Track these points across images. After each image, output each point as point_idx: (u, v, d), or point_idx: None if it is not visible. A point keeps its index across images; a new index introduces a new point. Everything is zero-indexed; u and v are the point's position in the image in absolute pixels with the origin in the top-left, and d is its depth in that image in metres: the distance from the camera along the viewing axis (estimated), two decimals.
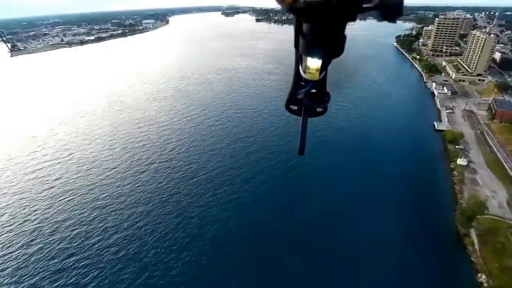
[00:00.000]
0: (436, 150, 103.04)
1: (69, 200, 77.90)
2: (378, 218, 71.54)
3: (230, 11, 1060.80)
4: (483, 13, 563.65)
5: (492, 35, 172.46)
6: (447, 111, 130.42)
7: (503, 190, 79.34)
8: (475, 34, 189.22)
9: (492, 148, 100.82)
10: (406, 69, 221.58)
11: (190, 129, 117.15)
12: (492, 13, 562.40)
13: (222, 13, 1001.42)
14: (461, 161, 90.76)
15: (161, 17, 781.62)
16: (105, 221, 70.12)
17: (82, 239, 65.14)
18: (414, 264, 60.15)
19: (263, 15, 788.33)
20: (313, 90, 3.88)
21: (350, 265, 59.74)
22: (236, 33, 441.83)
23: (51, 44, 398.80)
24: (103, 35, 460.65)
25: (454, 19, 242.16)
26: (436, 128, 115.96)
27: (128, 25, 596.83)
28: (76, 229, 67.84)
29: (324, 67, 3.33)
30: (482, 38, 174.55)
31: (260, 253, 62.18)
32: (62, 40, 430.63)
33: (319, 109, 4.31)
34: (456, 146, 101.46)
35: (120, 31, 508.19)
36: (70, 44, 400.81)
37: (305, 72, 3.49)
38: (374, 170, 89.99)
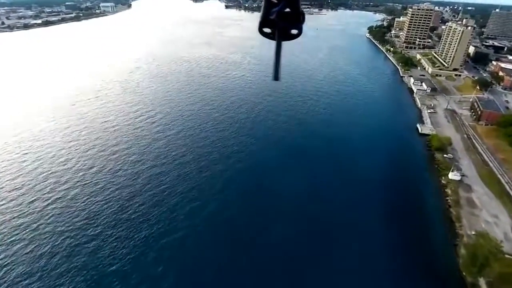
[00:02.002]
0: (423, 160, 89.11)
1: None
2: (360, 256, 55.40)
3: None
4: (447, 7, 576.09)
5: (469, 28, 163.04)
6: (428, 111, 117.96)
7: (505, 214, 66.28)
8: (451, 26, 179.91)
9: (483, 156, 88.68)
10: (380, 61, 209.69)
11: (130, 135, 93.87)
12: (456, 7, 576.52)
13: None
14: (453, 176, 77.03)
15: (123, 0, 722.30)
16: None
17: None
18: None
19: (233, 1, 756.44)
20: (287, 10, 3.80)
21: None
22: (203, 20, 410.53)
23: None
24: (53, 18, 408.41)
25: (427, 10, 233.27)
26: (420, 131, 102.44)
27: (84, 8, 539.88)
28: None
29: None
30: (459, 31, 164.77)
31: None
32: (2, 23, 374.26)
33: (293, 31, 4.02)
34: (445, 155, 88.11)
35: (73, 15, 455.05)
36: (11, 28, 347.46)
37: None
38: (352, 187, 73.80)
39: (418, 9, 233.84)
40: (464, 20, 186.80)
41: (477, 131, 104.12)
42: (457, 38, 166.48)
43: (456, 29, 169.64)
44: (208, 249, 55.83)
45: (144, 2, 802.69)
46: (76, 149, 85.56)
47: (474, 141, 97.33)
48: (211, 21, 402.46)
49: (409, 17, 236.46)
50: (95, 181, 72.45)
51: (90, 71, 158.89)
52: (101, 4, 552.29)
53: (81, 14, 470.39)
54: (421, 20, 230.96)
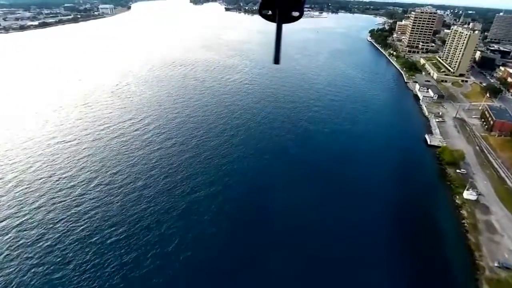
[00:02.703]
0: (433, 175, 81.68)
1: None
2: None
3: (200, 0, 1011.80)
4: (448, 11, 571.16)
5: (476, 32, 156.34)
6: (436, 120, 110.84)
7: None
8: (456, 30, 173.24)
9: (499, 172, 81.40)
10: (383, 66, 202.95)
11: (116, 148, 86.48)
12: (456, 11, 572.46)
13: (191, 1, 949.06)
14: (469, 195, 69.75)
15: (123, 2, 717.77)
16: None
17: None
18: None
19: (232, 4, 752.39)
20: None
21: None
22: (203, 22, 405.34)
23: None
24: (50, 20, 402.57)
25: (431, 13, 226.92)
26: (428, 143, 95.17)
27: (82, 10, 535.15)
28: None
29: None
30: (466, 35, 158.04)
31: None
32: None
33: (295, 13, 3.94)
34: (458, 170, 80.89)
35: (71, 17, 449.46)
36: (7, 29, 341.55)
37: None
38: (356, 207, 66.43)
39: (421, 13, 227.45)
40: (471, 24, 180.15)
41: (490, 142, 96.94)
42: (463, 43, 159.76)
43: (462, 33, 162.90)
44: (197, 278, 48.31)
45: (144, 4, 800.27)
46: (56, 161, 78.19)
47: (488, 154, 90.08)
48: (210, 23, 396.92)
49: (412, 21, 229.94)
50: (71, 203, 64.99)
51: (81, 75, 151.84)
52: (100, 6, 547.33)
53: (79, 16, 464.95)
54: (424, 23, 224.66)
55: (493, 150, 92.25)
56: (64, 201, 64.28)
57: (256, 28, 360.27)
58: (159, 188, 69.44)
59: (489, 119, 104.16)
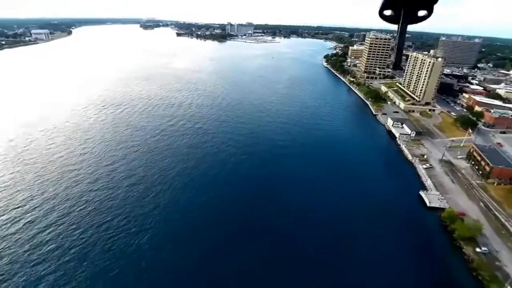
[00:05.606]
0: (449, 261, 60.09)
1: None
2: None
3: (150, 24, 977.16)
4: (389, 35, 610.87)
5: (440, 59, 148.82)
6: (424, 167, 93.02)
7: None
8: (417, 57, 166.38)
9: None
10: (346, 95, 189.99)
11: None
12: (396, 35, 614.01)
13: (141, 26, 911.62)
14: None
15: (63, 27, 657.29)
16: None
17: None
18: None
19: (184, 29, 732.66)
20: None
21: None
22: (151, 49, 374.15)
23: None
24: None
25: (385, 39, 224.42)
26: (427, 204, 75.11)
27: (11, 35, 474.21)
28: None
29: None
30: (429, 62, 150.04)
31: None
32: None
33: (422, 13, 3.47)
34: (478, 250, 60.62)
35: None
36: None
37: None
38: None
39: (376, 39, 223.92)
40: (432, 51, 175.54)
41: (491, 194, 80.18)
42: (427, 70, 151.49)
43: (425, 60, 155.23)
44: None
45: (88, 29, 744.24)
46: None
47: (498, 215, 72.18)
48: (159, 50, 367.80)
49: (367, 47, 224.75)
50: None
51: None
52: (34, 31, 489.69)
53: (3, 42, 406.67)
54: (379, 49, 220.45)
55: (500, 207, 74.92)
56: None
57: (208, 55, 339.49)
58: None
59: (482, 163, 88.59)
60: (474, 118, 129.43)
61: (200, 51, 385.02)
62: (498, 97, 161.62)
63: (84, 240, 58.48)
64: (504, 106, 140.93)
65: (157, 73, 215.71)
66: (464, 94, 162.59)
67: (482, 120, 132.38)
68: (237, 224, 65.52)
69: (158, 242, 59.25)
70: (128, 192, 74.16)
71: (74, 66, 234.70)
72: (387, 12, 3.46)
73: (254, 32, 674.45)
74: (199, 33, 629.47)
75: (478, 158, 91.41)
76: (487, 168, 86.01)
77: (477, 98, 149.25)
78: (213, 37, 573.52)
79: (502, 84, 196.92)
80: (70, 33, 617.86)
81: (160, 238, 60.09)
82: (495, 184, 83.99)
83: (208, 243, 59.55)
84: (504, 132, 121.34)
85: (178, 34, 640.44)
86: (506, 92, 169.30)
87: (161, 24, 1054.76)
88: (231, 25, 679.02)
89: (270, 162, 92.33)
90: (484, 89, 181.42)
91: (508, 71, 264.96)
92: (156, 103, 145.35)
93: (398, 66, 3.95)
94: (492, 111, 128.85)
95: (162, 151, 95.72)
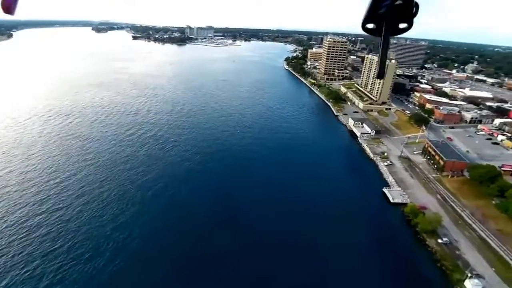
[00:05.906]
0: (411, 251, 62.21)
1: None
2: None
3: (103, 27, 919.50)
4: (344, 38, 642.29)
5: (393, 61, 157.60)
6: (385, 164, 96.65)
7: None
8: (372, 59, 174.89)
9: (477, 232, 67.03)
10: (307, 97, 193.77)
11: None
12: (352, 38, 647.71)
13: (93, 29, 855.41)
14: (472, 284, 51.01)
15: (2, 29, 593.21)
16: None
17: None
18: None
19: (141, 32, 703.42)
20: (399, 1, 3.46)
21: None
22: (104, 53, 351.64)
23: None
24: None
25: (342, 42, 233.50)
26: (391, 200, 77.52)
27: None
28: None
29: None
30: None
31: None
32: None
33: (402, 25, 3.67)
34: (439, 241, 63.40)
35: None
36: None
37: None
38: None
39: (334, 42, 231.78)
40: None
41: (447, 187, 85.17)
42: None
43: None
44: None
45: (32, 32, 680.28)
46: None
47: (454, 206, 76.58)
48: (114, 54, 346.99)
49: (326, 49, 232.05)
50: None
51: None
52: None
53: None
54: (337, 51, 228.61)
55: (455, 198, 79.69)
56: None
57: (168, 59, 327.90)
58: None
59: (437, 157, 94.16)
60: (426, 115, 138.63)
61: (158, 55, 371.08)
62: (444, 94, 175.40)
63: (28, 274, 50.90)
64: (451, 103, 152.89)
65: (112, 79, 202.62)
66: (415, 93, 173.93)
67: (433, 117, 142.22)
68: (206, 232, 61.78)
69: (119, 265, 53.58)
70: (82, 212, 66.81)
71: (14, 74, 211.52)
72: (370, 26, 3.62)
73: (215, 36, 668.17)
74: (157, 36, 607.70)
75: (433, 153, 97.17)
76: (441, 162, 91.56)
77: (427, 96, 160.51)
78: (172, 40, 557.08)
79: (447, 83, 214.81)
80: (10, 36, 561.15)
81: (120, 262, 54.39)
82: (449, 177, 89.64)
83: (175, 260, 55.15)
84: (452, 127, 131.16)
85: (135, 38, 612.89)
86: (451, 90, 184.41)
87: (115, 27, 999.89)
88: (190, 28, 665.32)
89: (235, 168, 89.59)
90: (432, 87, 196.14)
91: (451, 70, 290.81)
92: (111, 111, 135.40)
93: (382, 75, 4.07)
94: (441, 108, 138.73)
95: (120, 164, 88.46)
